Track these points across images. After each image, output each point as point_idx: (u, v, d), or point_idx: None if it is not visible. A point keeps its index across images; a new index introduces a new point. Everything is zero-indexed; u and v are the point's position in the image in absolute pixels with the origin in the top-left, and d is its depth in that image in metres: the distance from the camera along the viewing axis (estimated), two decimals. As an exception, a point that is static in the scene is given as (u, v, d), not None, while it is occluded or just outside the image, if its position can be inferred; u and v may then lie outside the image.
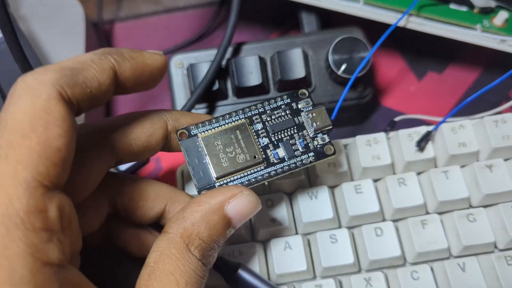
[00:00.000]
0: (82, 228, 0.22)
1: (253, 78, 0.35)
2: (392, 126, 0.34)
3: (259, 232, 0.30)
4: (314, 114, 0.27)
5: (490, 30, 0.35)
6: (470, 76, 0.41)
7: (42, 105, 0.19)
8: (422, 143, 0.31)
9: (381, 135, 0.32)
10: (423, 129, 0.32)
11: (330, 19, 0.41)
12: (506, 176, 0.30)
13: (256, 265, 0.29)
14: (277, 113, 0.27)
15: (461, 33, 0.35)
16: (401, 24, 0.35)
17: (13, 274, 0.17)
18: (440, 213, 0.30)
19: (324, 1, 0.35)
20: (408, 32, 0.36)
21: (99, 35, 0.44)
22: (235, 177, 0.26)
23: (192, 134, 0.26)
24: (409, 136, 0.31)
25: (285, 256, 0.29)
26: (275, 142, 0.27)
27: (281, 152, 0.26)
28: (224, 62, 0.36)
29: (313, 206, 0.30)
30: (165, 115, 0.26)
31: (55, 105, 0.20)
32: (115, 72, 0.23)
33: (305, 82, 0.35)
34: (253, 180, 0.26)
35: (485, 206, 0.30)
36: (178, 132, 0.26)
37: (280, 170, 0.26)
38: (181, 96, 0.37)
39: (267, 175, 0.26)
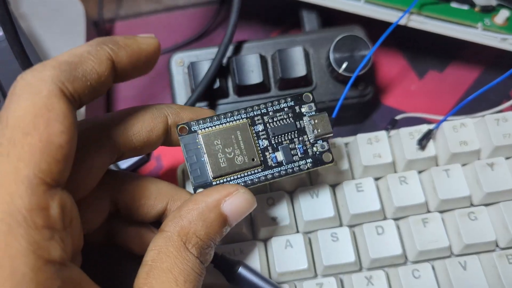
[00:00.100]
0: (83, 226, 0.22)
1: (254, 76, 0.35)
2: (393, 124, 0.34)
3: (260, 230, 0.30)
4: (316, 121, 0.27)
5: (491, 28, 0.35)
6: (471, 75, 0.41)
7: (43, 102, 0.19)
8: (423, 142, 0.31)
9: (382, 134, 0.32)
10: (424, 128, 0.31)
11: (331, 18, 0.41)
12: (508, 174, 0.30)
13: (257, 263, 0.29)
14: (280, 115, 0.27)
15: (462, 32, 0.35)
16: (402, 22, 0.35)
17: (15, 272, 0.17)
18: (441, 212, 0.30)
19: (325, -1, 0.35)
20: (409, 30, 0.36)
21: (99, 33, 0.44)
22: (232, 178, 0.26)
23: (193, 130, 0.26)
24: (410, 135, 0.31)
25: (286, 254, 0.29)
26: (274, 145, 0.26)
27: (279, 156, 0.26)
28: (225, 60, 0.36)
29: (314, 204, 0.30)
30: (165, 109, 0.26)
31: (56, 101, 0.20)
32: (113, 61, 0.23)
33: (306, 80, 0.35)
34: (249, 182, 0.26)
35: (486, 205, 0.30)
36: (179, 127, 0.26)
37: (277, 174, 0.26)
38: (181, 94, 0.37)
39: (263, 178, 0.26)
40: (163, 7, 0.45)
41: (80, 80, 0.21)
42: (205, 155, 0.26)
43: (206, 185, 0.26)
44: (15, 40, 0.27)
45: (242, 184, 0.26)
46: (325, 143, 0.27)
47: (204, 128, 0.26)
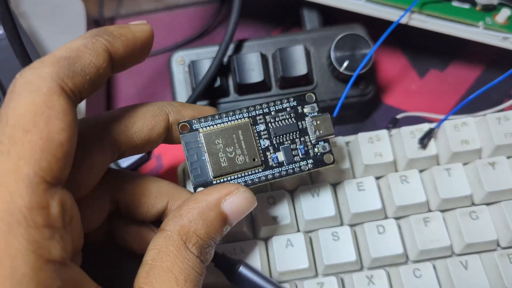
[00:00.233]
0: (83, 224, 0.22)
1: (254, 75, 0.35)
2: (394, 123, 0.34)
3: (260, 229, 0.30)
4: (318, 122, 0.26)
5: (493, 27, 0.35)
6: (472, 74, 0.41)
7: (43, 99, 0.19)
8: (424, 141, 0.31)
9: (383, 133, 0.32)
10: (425, 127, 0.31)
11: (332, 16, 0.41)
12: (509, 173, 0.30)
13: (258, 262, 0.29)
14: (282, 115, 0.27)
15: (463, 31, 0.35)
16: (403, 21, 0.35)
17: (15, 271, 0.17)
18: (442, 211, 0.30)
19: (326, -2, 0.35)
20: (410, 29, 0.36)
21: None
22: (232, 177, 0.26)
23: (194, 128, 0.26)
24: (411, 134, 0.31)
25: (286, 253, 0.29)
26: (276, 145, 0.26)
27: (280, 156, 0.26)
28: (225, 59, 0.36)
29: (315, 203, 0.30)
30: (166, 107, 0.26)
31: (56, 99, 0.19)
32: (109, 52, 0.22)
33: (306, 79, 0.35)
34: (249, 182, 0.26)
35: (487, 204, 0.30)
36: (180, 125, 0.26)
37: (277, 174, 0.26)
38: (182, 93, 0.37)
39: (264, 178, 0.26)
40: (164, 5, 0.45)
41: (79, 75, 0.21)
42: (206, 154, 0.26)
43: (207, 184, 0.25)
44: (16, 39, 0.27)
45: (243, 184, 0.26)
46: (326, 144, 0.27)
47: (206, 127, 0.26)
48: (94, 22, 0.44)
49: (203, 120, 0.26)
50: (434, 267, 0.29)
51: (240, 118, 0.26)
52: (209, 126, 0.26)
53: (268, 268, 0.30)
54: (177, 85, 0.37)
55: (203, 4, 0.45)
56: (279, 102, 0.27)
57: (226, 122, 0.26)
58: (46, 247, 0.18)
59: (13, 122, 0.19)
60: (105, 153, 0.24)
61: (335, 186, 0.32)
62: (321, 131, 0.26)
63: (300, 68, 0.35)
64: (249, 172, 0.26)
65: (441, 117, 0.31)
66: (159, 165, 0.39)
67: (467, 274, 0.28)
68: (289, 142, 0.26)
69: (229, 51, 0.36)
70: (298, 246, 0.30)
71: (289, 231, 0.30)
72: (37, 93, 0.19)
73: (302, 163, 0.26)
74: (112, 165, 0.35)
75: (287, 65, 0.35)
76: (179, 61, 0.37)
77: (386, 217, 0.31)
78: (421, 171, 0.31)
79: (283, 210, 0.30)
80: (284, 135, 0.26)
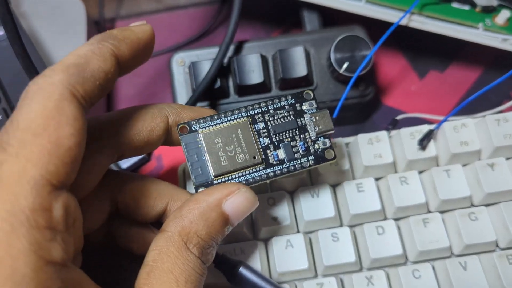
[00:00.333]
0: (84, 226, 0.22)
1: (254, 76, 0.35)
2: (394, 124, 0.34)
3: (260, 230, 0.30)
4: (317, 118, 0.27)
5: (492, 29, 0.35)
6: (472, 75, 0.41)
7: (55, 105, 0.19)
8: (424, 142, 0.31)
9: (383, 134, 0.32)
10: (425, 128, 0.31)
11: (332, 18, 0.41)
12: (508, 175, 0.30)
13: (258, 263, 0.29)
14: (280, 113, 0.27)
15: (463, 32, 0.35)
16: (403, 22, 0.35)
17: (15, 272, 0.17)
18: (441, 212, 0.30)
19: (326, -1, 0.35)
20: (410, 30, 0.36)
21: (100, 33, 0.44)
22: (233, 176, 0.26)
23: (193, 129, 0.26)
24: (411, 135, 0.31)
25: (286, 254, 0.29)
26: (275, 143, 0.26)
27: (281, 153, 0.26)
28: (225, 60, 0.36)
29: (315, 204, 0.30)
30: (166, 109, 0.26)
31: (67, 105, 0.20)
32: (116, 56, 0.23)
33: (306, 80, 0.35)
34: (251, 180, 0.26)
35: (486, 205, 0.30)
36: (179, 127, 0.26)
37: (278, 171, 0.26)
38: (182, 94, 0.37)
39: (265, 176, 0.26)
40: (164, 6, 0.45)
41: (89, 81, 0.21)
42: (206, 154, 0.26)
43: (208, 183, 0.25)
44: (16, 39, 0.27)
45: (244, 182, 0.26)
46: (326, 140, 0.27)
47: (205, 127, 0.26)
48: (94, 22, 0.44)
49: (202, 121, 0.26)
50: (433, 268, 0.29)
51: (239, 118, 0.26)
52: (208, 126, 0.26)
53: (268, 268, 0.30)
54: (177, 86, 0.37)
55: (203, 5, 0.45)
56: (277, 100, 0.27)
57: (225, 121, 0.26)
58: (47, 249, 0.18)
59: (24, 126, 0.19)
60: (105, 155, 0.24)
61: (334, 187, 0.32)
62: (320, 127, 0.26)
63: (300, 69, 0.35)
64: (250, 171, 0.26)
65: (441, 118, 0.31)
66: (159, 166, 0.39)
67: (466, 275, 0.29)
68: (289, 139, 0.26)
69: (229, 52, 0.36)
70: (298, 247, 0.30)
71: (289, 232, 0.30)
72: (48, 99, 0.20)
73: (303, 159, 0.26)
74: (112, 166, 0.36)
75: (287, 67, 0.35)
76: (179, 62, 0.37)
77: (385, 218, 0.31)
78: (420, 172, 0.32)
79: (283, 211, 0.30)
80: (284, 133, 0.27)
